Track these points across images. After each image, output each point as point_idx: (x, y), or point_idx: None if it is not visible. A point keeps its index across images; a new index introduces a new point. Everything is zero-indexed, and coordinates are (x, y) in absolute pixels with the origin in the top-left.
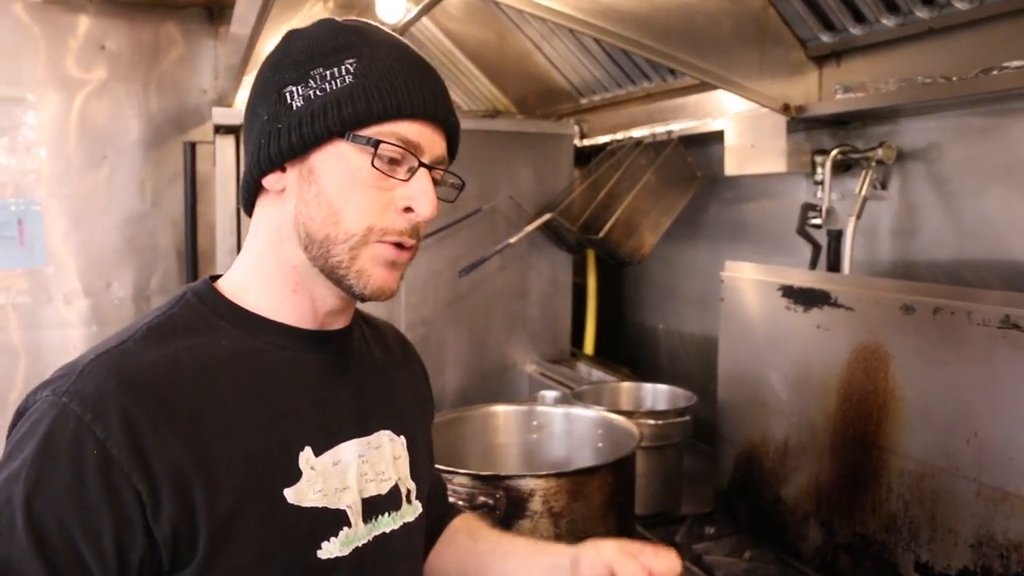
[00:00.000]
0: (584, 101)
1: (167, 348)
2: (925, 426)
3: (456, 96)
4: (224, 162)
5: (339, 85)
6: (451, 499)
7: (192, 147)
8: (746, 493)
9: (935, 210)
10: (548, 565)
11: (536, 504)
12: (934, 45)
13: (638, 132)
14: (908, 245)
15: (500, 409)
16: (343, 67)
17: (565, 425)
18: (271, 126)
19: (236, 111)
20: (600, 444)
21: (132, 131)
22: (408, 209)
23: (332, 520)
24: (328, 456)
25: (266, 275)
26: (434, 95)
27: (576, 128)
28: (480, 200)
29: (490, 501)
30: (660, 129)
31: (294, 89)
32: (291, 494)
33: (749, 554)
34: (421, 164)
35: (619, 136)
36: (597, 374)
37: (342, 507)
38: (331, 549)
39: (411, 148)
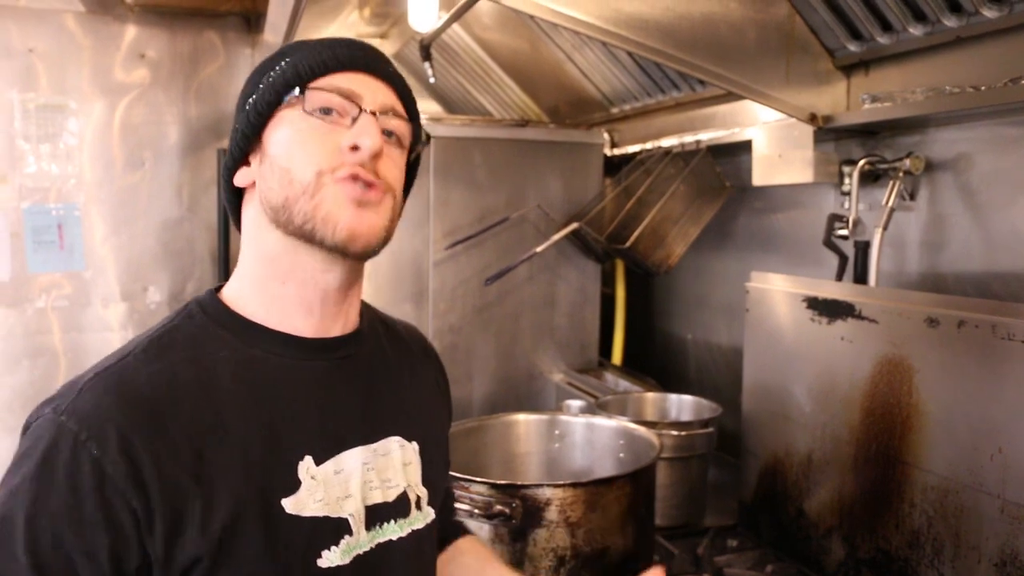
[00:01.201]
0: (615, 110)
1: (165, 362)
2: (949, 441)
3: (488, 104)
4: None
5: (276, 73)
6: (468, 507)
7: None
8: (769, 506)
9: (964, 221)
10: None
11: (552, 514)
12: (962, 54)
13: (667, 142)
14: (936, 257)
15: (522, 418)
16: (280, 64)
17: (587, 435)
18: (232, 131)
19: None
20: (621, 455)
21: (170, 137)
22: (354, 148)
23: (333, 529)
24: (330, 464)
25: (257, 279)
26: (363, 51)
27: (606, 137)
28: (509, 209)
29: (506, 510)
30: (689, 139)
31: (251, 99)
32: (289, 504)
33: (771, 568)
34: (362, 110)
35: (648, 145)
36: (624, 384)
37: (344, 515)
38: (331, 558)
39: (346, 95)
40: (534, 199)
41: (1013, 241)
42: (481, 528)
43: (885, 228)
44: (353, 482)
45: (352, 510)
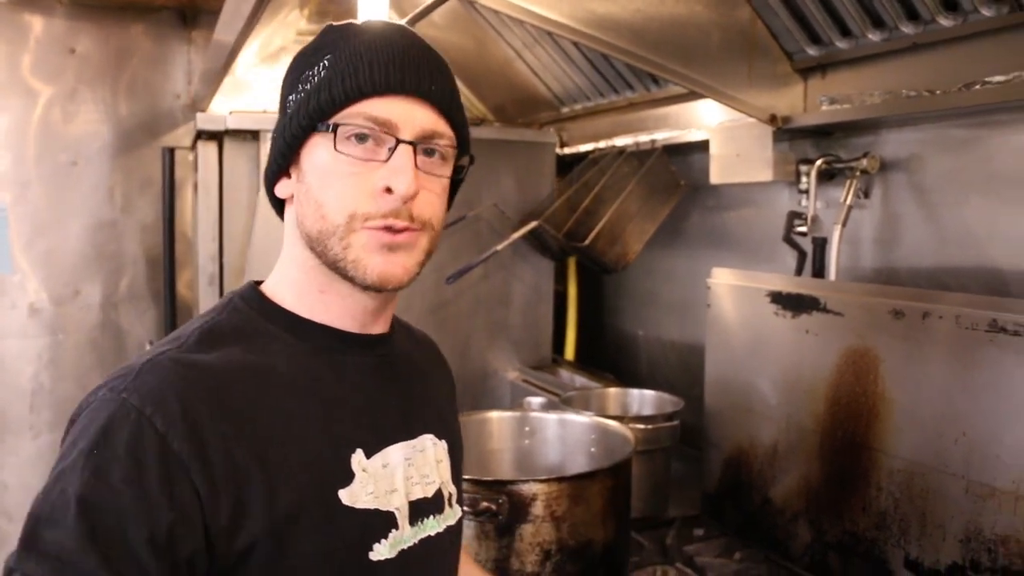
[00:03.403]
0: (565, 110)
1: (221, 351)
2: (914, 427)
3: None
4: (207, 168)
5: (314, 83)
6: None
7: (171, 153)
8: (734, 496)
9: (917, 219)
10: None
11: (538, 508)
12: (918, 60)
13: (621, 141)
14: (890, 253)
15: (494, 415)
16: (320, 65)
17: (559, 431)
18: (276, 135)
19: (220, 117)
20: (593, 449)
21: (101, 136)
22: (388, 190)
23: (383, 522)
24: (378, 458)
25: (296, 280)
26: (403, 67)
27: (556, 137)
28: (464, 208)
29: (493, 507)
30: (644, 138)
31: (291, 98)
32: (345, 495)
33: (739, 555)
34: (399, 141)
35: (601, 145)
36: (580, 380)
37: (391, 509)
38: (381, 551)
39: (380, 125)
40: (488, 198)
41: (963, 238)
42: (467, 525)
43: (844, 225)
44: (398, 476)
45: (398, 504)
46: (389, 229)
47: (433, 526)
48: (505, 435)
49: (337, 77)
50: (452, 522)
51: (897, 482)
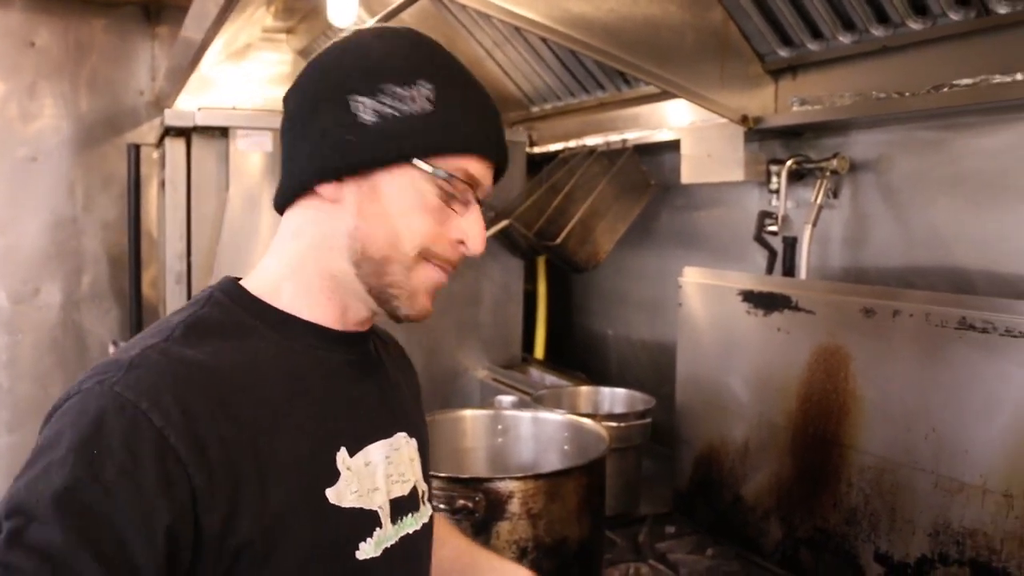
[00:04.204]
0: (535, 109)
1: (209, 347)
2: (885, 423)
3: None
4: (174, 165)
5: (417, 110)
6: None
7: (136, 149)
8: (705, 493)
9: (885, 219)
10: None
11: (515, 506)
12: (888, 62)
13: (591, 140)
14: (859, 252)
15: (467, 414)
16: (419, 90)
17: (532, 429)
18: (337, 135)
19: (188, 113)
20: (566, 447)
21: (61, 131)
22: (460, 242)
23: (368, 521)
24: (360, 456)
25: (303, 278)
26: (498, 134)
27: (526, 136)
28: None
29: (469, 504)
30: (615, 138)
31: (363, 101)
32: (332, 494)
33: (711, 551)
34: (478, 202)
35: (571, 144)
36: (550, 379)
37: (375, 508)
38: (367, 550)
39: (473, 183)
40: None
41: (931, 238)
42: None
43: (814, 224)
44: (379, 475)
45: (381, 502)
46: (446, 270)
47: (411, 524)
48: (479, 433)
49: (453, 123)
50: (427, 520)
51: (867, 478)
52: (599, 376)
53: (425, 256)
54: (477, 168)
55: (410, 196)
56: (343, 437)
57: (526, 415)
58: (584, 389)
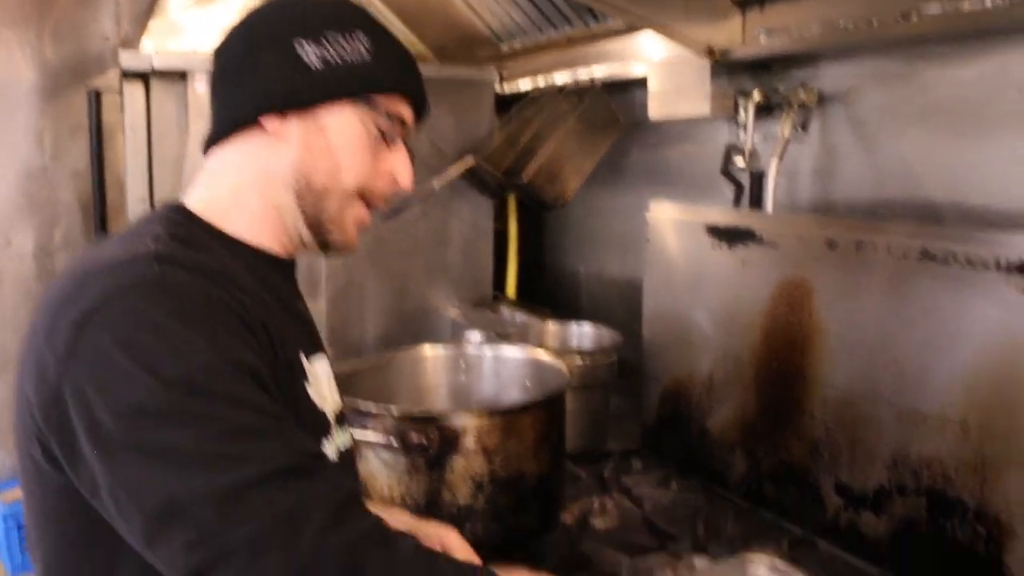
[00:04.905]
0: (504, 47)
1: (191, 250)
2: (847, 355)
3: None
4: (133, 110)
5: (357, 57)
6: (383, 439)
7: (97, 96)
8: (672, 428)
9: (854, 152)
10: None
11: (469, 442)
12: None
13: (560, 77)
14: (828, 185)
15: (428, 350)
16: (357, 39)
17: (493, 366)
18: (280, 73)
19: (144, 56)
20: (528, 383)
21: (27, 80)
22: (391, 178)
23: (324, 422)
24: (313, 363)
25: (247, 208)
26: (422, 83)
27: (496, 74)
28: None
29: (423, 440)
30: (583, 74)
31: (308, 46)
32: (310, 389)
33: (677, 485)
34: (405, 143)
35: (541, 82)
36: (520, 317)
37: (327, 412)
38: (328, 450)
39: (403, 125)
40: (427, 136)
41: (900, 171)
42: (398, 459)
43: (781, 158)
44: (324, 387)
45: (330, 410)
46: (372, 210)
47: (346, 440)
48: (439, 370)
49: (389, 64)
50: (352, 443)
51: (830, 411)
52: (571, 315)
53: (361, 193)
54: (406, 112)
55: (352, 131)
56: (299, 342)
57: (487, 352)
58: (552, 326)
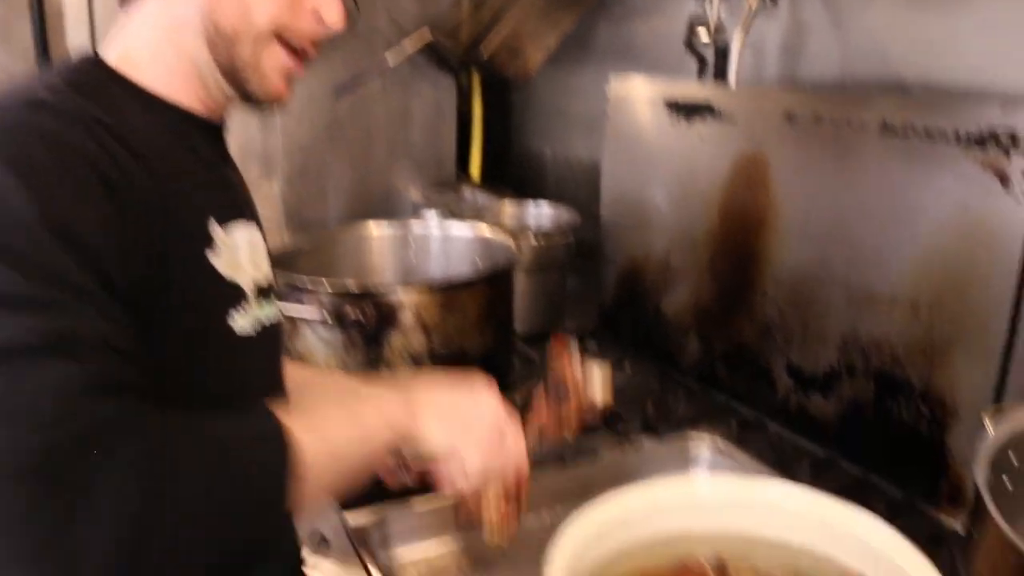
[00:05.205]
0: None
1: (79, 101)
2: (802, 235)
3: None
4: None
5: None
6: (319, 314)
7: None
8: (628, 310)
9: (823, 26)
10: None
11: (407, 318)
12: None
13: None
14: (795, 62)
15: (373, 229)
16: None
17: (442, 245)
18: None
19: None
20: (479, 262)
21: None
22: (316, 16)
23: (237, 293)
24: (228, 231)
25: (163, 61)
26: None
27: None
28: (359, 23)
29: (360, 317)
30: None
31: None
32: (213, 258)
33: (630, 367)
34: None
35: None
36: (482, 198)
37: (241, 283)
38: (241, 323)
39: None
40: (383, 10)
41: (869, 46)
42: (334, 335)
43: (746, 31)
44: (243, 255)
45: (246, 281)
46: (301, 57)
47: (271, 314)
48: (386, 249)
49: None
50: (280, 316)
51: (783, 292)
52: (537, 196)
53: (279, 35)
54: None
55: None
56: (212, 208)
57: (435, 230)
58: (509, 207)
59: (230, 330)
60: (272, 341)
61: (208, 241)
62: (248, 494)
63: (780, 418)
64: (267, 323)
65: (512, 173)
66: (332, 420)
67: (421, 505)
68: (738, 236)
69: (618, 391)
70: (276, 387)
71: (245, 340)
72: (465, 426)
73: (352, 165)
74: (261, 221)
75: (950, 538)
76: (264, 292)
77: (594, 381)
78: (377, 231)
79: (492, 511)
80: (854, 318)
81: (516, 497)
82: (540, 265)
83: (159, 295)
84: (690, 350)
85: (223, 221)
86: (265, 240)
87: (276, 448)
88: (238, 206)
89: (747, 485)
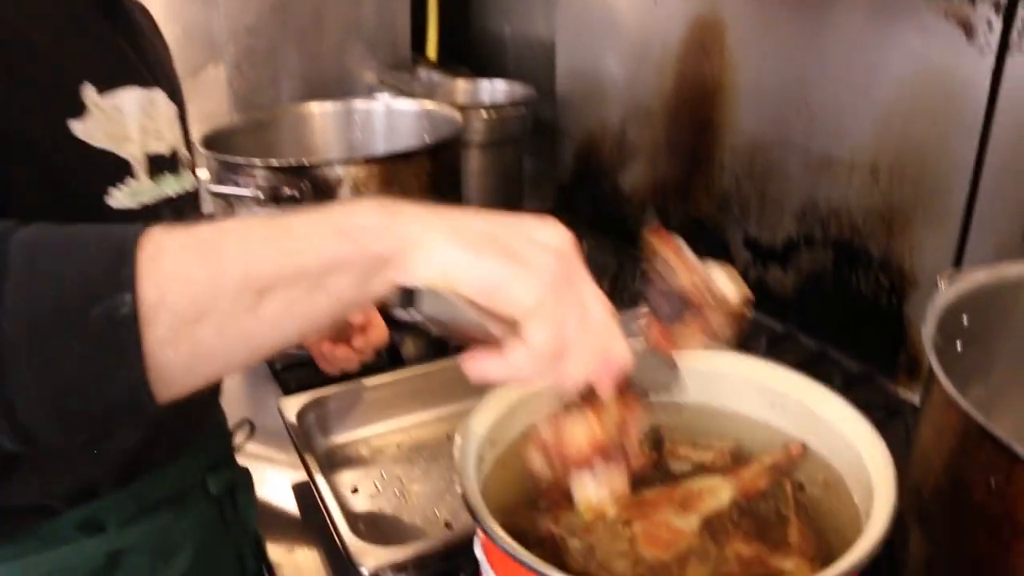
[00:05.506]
0: None
1: None
2: (759, 99)
3: None
4: None
5: None
6: (252, 192)
7: None
8: (585, 186)
9: None
10: None
11: (345, 193)
12: None
13: None
14: None
15: (315, 107)
16: None
17: (387, 120)
18: None
19: None
20: (427, 138)
21: None
22: None
23: (117, 167)
24: (110, 98)
25: None
26: None
27: None
28: None
29: (296, 194)
30: None
31: None
32: (78, 128)
33: (587, 245)
34: None
35: None
36: (439, 78)
37: (126, 156)
38: (121, 198)
39: None
40: None
41: None
42: (270, 214)
43: None
44: (132, 124)
45: (134, 152)
46: None
47: (172, 185)
48: (330, 128)
49: None
50: (190, 188)
51: (740, 160)
52: (496, 77)
53: None
54: None
55: None
56: (89, 72)
57: (379, 107)
58: (462, 84)
59: (104, 205)
60: (174, 215)
61: (76, 109)
62: (65, 314)
63: None
64: (172, 195)
65: (470, 53)
66: (238, 232)
67: (361, 389)
68: (694, 104)
69: None
70: None
71: (124, 215)
72: (513, 254)
73: (302, 48)
74: (178, 89)
75: (907, 410)
76: (166, 163)
77: (721, 280)
78: (319, 110)
79: (584, 446)
80: (813, 185)
81: (620, 428)
82: (494, 140)
83: (18, 166)
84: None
85: (104, 86)
86: (181, 108)
87: (113, 251)
88: (130, 71)
89: (690, 354)
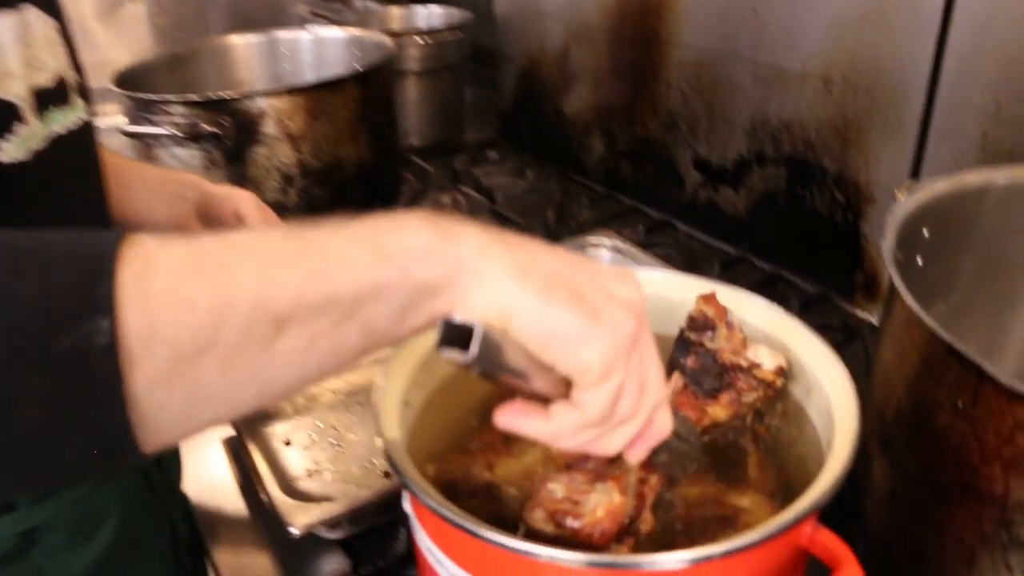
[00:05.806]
0: None
1: None
2: (705, 10)
3: None
4: None
5: None
6: (171, 132)
7: None
8: (528, 112)
9: None
10: (174, 194)
11: (270, 127)
12: None
13: None
14: None
15: (237, 40)
16: None
17: (315, 50)
18: None
19: None
20: (359, 68)
21: None
22: None
23: (5, 113)
24: None
25: None
26: None
27: None
28: None
29: (217, 130)
30: None
31: None
32: None
33: (532, 174)
34: None
35: None
36: (373, 5)
37: (10, 98)
38: (10, 151)
39: None
40: None
41: None
42: (192, 155)
43: None
44: (11, 58)
45: (19, 91)
46: None
47: (61, 120)
48: (255, 61)
49: None
50: (84, 117)
51: (687, 76)
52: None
53: None
54: None
55: None
56: None
57: (306, 36)
58: (396, 10)
59: None
60: (71, 154)
61: None
62: (20, 348)
63: (689, 218)
64: (63, 133)
65: None
66: (252, 247)
67: None
68: (637, 19)
69: (517, 199)
70: (86, 211)
71: (15, 168)
72: (589, 306)
73: None
74: (61, 10)
75: (865, 331)
76: (55, 96)
77: (761, 351)
78: (242, 41)
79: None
80: (763, 99)
81: (638, 496)
82: (431, 67)
83: None
84: (593, 151)
85: None
86: (64, 28)
87: (84, 263)
88: None
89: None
